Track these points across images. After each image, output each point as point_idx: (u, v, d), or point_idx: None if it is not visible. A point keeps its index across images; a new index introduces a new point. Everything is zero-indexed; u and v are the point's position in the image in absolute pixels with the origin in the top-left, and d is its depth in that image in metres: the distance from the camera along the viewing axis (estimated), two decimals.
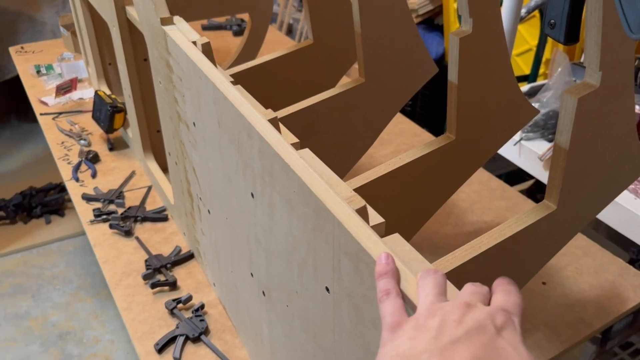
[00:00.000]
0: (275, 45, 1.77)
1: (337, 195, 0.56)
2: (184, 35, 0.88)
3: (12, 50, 2.02)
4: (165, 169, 1.33)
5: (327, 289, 0.59)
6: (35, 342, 1.91)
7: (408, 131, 1.55)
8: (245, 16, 2.14)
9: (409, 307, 0.46)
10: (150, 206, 1.29)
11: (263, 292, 0.80)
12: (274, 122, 0.68)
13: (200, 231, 1.06)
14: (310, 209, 0.58)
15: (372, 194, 0.76)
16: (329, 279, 0.58)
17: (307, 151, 0.64)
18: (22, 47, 2.02)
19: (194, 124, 0.90)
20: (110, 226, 1.21)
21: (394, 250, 0.50)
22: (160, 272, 1.11)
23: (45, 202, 2.35)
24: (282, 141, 0.64)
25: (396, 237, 0.53)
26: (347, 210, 0.54)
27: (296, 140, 0.67)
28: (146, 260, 1.13)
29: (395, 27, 0.94)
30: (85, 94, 1.69)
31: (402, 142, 1.47)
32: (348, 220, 0.53)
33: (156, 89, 1.06)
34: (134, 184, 1.36)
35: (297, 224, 0.62)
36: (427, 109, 2.49)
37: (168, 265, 1.12)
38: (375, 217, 0.55)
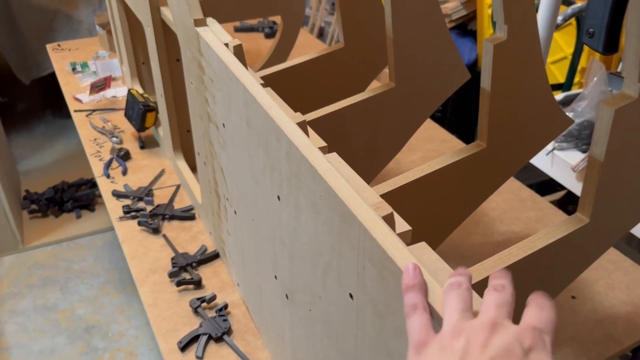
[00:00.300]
0: (306, 48, 1.78)
1: (363, 200, 0.56)
2: (216, 37, 0.89)
3: (49, 47, 2.07)
4: (194, 168, 1.35)
5: (351, 295, 0.59)
6: (62, 334, 1.95)
7: (437, 137, 1.53)
8: (277, 18, 2.16)
9: (436, 321, 0.46)
10: (178, 204, 1.31)
11: (286, 295, 0.80)
12: (302, 125, 0.68)
13: (226, 231, 1.07)
14: (335, 213, 0.58)
15: (400, 200, 0.76)
16: (353, 285, 0.58)
17: (334, 155, 0.64)
18: (59, 45, 2.07)
19: (223, 125, 0.91)
20: (139, 223, 1.23)
21: (420, 259, 0.50)
22: (185, 270, 1.13)
23: (76, 197, 2.40)
24: (309, 145, 0.64)
25: (422, 245, 0.52)
26: (374, 216, 0.54)
27: (324, 144, 0.67)
28: (172, 258, 1.14)
29: (427, 32, 0.94)
30: (118, 92, 1.72)
31: (431, 148, 1.46)
32: (374, 227, 0.53)
33: (188, 90, 1.07)
34: (163, 182, 1.38)
35: (322, 228, 0.62)
36: (458, 115, 2.46)
37: (194, 264, 1.13)
38: (402, 225, 0.54)
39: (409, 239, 0.54)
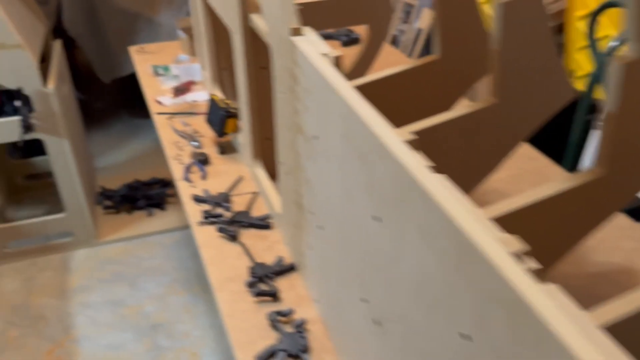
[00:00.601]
0: (382, 56, 1.72)
1: (488, 233, 0.51)
2: (313, 46, 0.86)
3: (132, 49, 2.11)
4: (272, 176, 1.33)
5: (464, 336, 0.54)
6: (129, 330, 1.98)
7: (524, 155, 1.45)
8: (357, 27, 2.12)
9: None
10: (255, 212, 1.29)
11: (376, 322, 0.75)
12: (411, 144, 0.63)
13: (307, 245, 1.03)
14: (452, 245, 0.53)
15: (507, 227, 0.69)
16: (467, 324, 0.53)
17: (443, 178, 0.59)
18: (141, 47, 2.11)
19: (315, 136, 0.87)
20: (219, 229, 1.21)
21: (557, 303, 0.44)
22: (263, 281, 1.10)
23: (148, 195, 2.44)
24: (421, 166, 0.60)
25: (554, 287, 0.47)
26: (501, 251, 0.49)
27: (431, 163, 0.62)
28: (251, 268, 1.12)
29: (535, 45, 0.87)
30: (199, 96, 1.72)
31: (519, 167, 1.38)
32: (503, 264, 0.47)
33: (276, 99, 1.05)
34: (241, 189, 1.36)
35: (433, 259, 0.57)
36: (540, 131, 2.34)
37: (271, 275, 1.11)
38: (531, 262, 0.49)
39: (539, 278, 0.48)
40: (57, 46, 2.26)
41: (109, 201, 2.43)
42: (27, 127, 1.93)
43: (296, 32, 0.90)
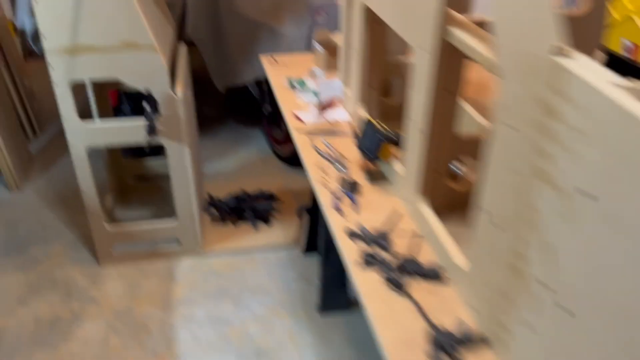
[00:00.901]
0: None
1: None
2: (594, 74, 0.61)
3: (264, 59, 1.93)
4: (438, 216, 1.08)
5: None
6: (232, 353, 1.78)
7: None
8: None
9: None
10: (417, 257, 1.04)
11: None
12: None
13: (522, 321, 0.78)
14: None
15: None
16: None
17: None
18: (273, 58, 1.93)
19: (587, 194, 0.62)
20: (388, 279, 0.97)
21: None
22: (446, 351, 0.85)
23: (255, 208, 2.26)
24: None
25: None
26: None
27: None
28: (430, 334, 0.87)
29: None
30: (340, 115, 1.51)
31: None
32: None
33: (496, 132, 0.80)
34: (399, 227, 1.13)
35: None
36: None
37: (455, 346, 0.86)
38: None
39: None
40: (183, 50, 2.13)
41: (216, 210, 2.26)
42: (152, 131, 1.78)
43: (560, 51, 0.66)
